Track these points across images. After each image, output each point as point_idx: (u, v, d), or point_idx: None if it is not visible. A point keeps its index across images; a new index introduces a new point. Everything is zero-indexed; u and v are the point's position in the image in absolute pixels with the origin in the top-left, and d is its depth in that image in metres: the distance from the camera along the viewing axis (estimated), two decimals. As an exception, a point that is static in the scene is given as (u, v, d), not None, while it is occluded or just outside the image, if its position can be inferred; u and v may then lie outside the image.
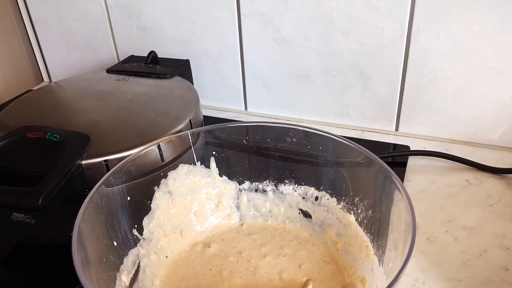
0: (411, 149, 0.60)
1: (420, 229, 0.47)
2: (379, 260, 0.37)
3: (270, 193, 0.47)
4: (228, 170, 0.47)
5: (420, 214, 0.49)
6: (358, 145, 0.40)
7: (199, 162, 0.46)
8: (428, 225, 0.48)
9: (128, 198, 0.40)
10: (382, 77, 0.61)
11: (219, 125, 0.46)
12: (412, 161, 0.58)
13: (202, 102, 0.59)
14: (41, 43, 0.83)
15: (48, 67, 0.86)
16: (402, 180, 0.55)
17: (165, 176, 0.44)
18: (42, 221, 0.44)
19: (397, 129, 0.65)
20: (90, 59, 0.80)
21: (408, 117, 0.63)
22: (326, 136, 0.42)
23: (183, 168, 0.45)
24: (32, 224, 0.44)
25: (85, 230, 0.33)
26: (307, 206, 0.46)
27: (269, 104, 0.70)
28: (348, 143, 0.41)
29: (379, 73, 0.61)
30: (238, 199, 0.47)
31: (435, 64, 0.57)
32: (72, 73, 0.81)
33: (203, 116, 0.58)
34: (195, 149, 0.44)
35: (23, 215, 0.44)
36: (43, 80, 0.88)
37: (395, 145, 0.63)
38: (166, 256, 0.42)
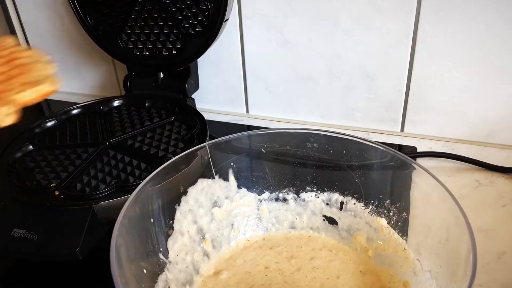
0: (417, 149, 0.60)
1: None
2: (421, 264, 0.36)
3: (291, 202, 0.45)
4: (246, 182, 0.45)
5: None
6: (389, 148, 0.39)
7: (217, 176, 0.43)
8: (442, 228, 0.47)
9: (152, 220, 0.39)
10: (387, 77, 0.60)
11: (236, 135, 0.43)
12: (419, 162, 0.57)
13: (202, 105, 0.56)
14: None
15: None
16: (410, 182, 0.54)
17: (185, 193, 0.41)
18: (44, 237, 0.42)
19: (402, 129, 0.64)
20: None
21: (413, 117, 0.62)
22: (351, 139, 0.41)
23: (202, 183, 0.43)
24: (34, 240, 0.42)
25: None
26: (332, 212, 0.44)
27: (271, 106, 0.69)
28: (377, 146, 0.40)
29: (384, 73, 0.60)
30: (258, 210, 0.45)
31: (441, 63, 0.57)
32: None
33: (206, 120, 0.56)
34: (213, 162, 0.43)
35: (24, 230, 0.42)
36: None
37: (400, 146, 0.62)
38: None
